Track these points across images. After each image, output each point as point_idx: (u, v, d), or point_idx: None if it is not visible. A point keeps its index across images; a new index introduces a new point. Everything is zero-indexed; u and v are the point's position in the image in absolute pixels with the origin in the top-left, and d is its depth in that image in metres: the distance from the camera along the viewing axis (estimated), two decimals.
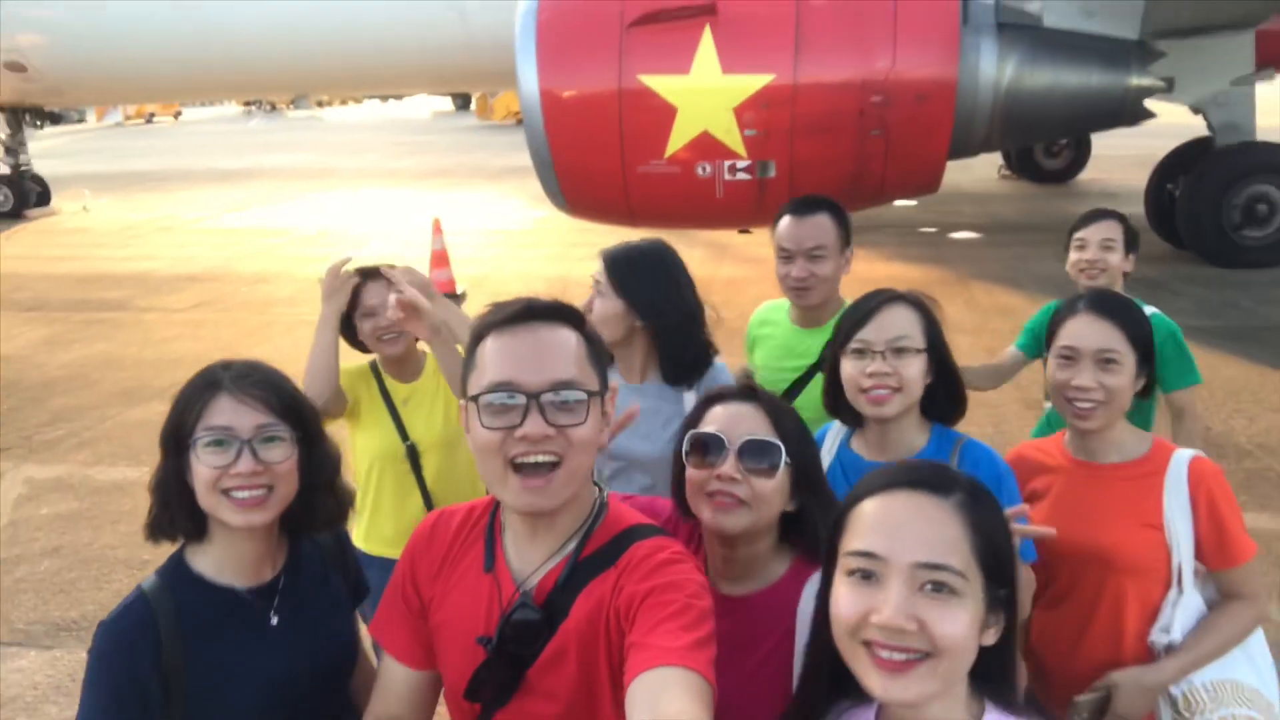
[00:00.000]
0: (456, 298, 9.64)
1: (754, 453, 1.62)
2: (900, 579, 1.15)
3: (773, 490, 1.61)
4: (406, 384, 2.93)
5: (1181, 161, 10.25)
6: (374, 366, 2.95)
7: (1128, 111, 8.91)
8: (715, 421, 1.67)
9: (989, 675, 1.22)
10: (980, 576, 1.17)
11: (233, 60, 12.34)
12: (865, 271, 9.87)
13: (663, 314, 2.44)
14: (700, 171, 8.21)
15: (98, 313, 9.51)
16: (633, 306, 2.44)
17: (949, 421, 2.09)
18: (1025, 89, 8.44)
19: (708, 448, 1.65)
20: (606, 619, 1.38)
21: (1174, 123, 10.34)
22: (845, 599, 1.19)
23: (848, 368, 2.00)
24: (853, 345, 2.00)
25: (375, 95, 41.68)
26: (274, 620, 1.66)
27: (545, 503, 1.38)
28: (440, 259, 9.76)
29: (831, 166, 8.06)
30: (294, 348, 8.09)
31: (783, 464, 1.62)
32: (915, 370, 1.96)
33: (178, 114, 47.33)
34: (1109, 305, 2.06)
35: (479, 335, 1.46)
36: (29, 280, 10.86)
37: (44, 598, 4.29)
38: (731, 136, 8.05)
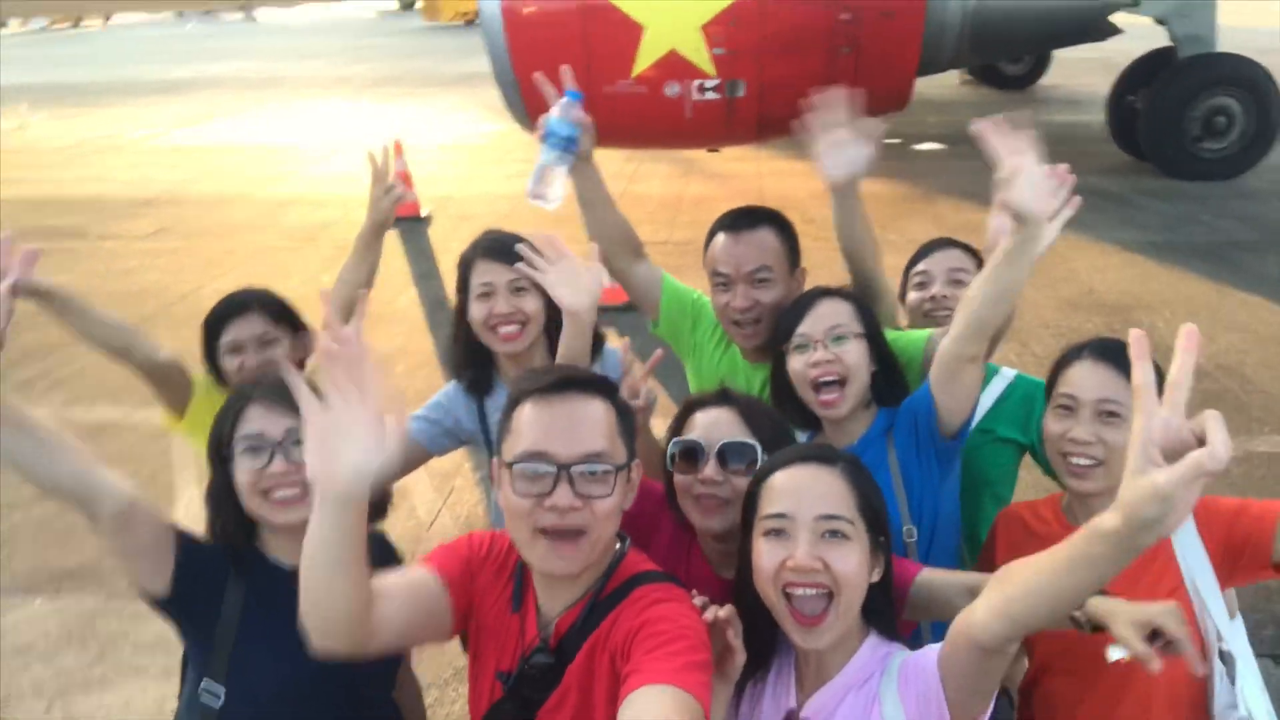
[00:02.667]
0: (422, 220, 9.54)
1: (732, 454, 1.77)
2: (806, 530, 1.48)
3: None
4: None
5: (1143, 73, 10.29)
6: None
7: (1095, 27, 8.91)
8: (694, 429, 1.83)
9: (876, 609, 1.56)
10: (864, 524, 1.52)
11: None
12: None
13: None
14: (669, 91, 8.10)
15: (54, 240, 9.22)
16: (545, 295, 2.18)
17: (893, 404, 2.13)
18: (994, 6, 8.38)
19: (690, 454, 1.80)
20: (605, 658, 1.47)
21: (1134, 22, 10.35)
22: (766, 553, 1.50)
23: (794, 363, 2.08)
24: (794, 342, 2.08)
25: None
26: None
27: (569, 568, 1.46)
28: (403, 180, 9.60)
29: (800, 86, 7.81)
30: (259, 277, 7.96)
31: (760, 461, 1.76)
32: (856, 355, 2.05)
33: (106, 18, 45.07)
34: (1114, 352, 1.87)
35: (515, 400, 1.52)
36: None
37: (42, 545, 4.32)
38: (700, 55, 7.93)
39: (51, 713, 3.33)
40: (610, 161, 11.40)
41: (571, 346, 1.96)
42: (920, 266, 2.57)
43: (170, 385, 2.43)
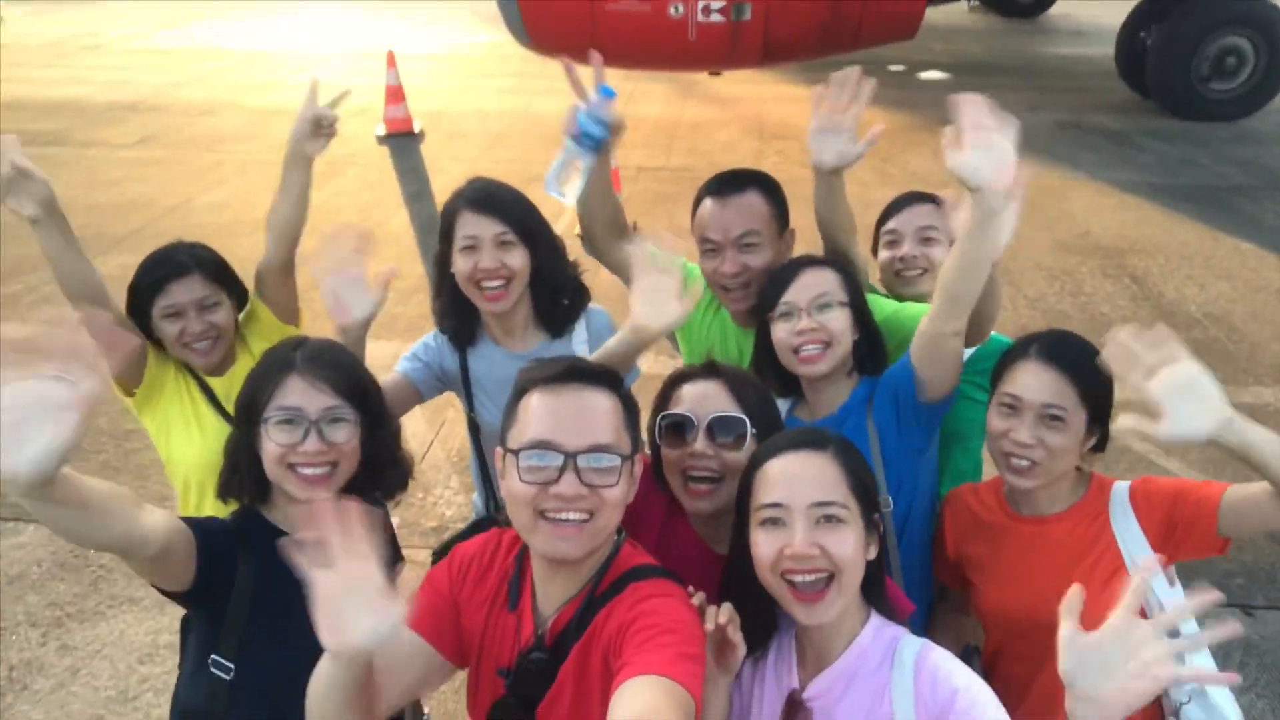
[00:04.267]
0: (414, 136, 9.34)
1: (721, 428, 1.77)
2: (802, 518, 1.49)
3: (743, 460, 1.70)
4: (224, 376, 2.39)
5: (1156, 7, 10.06)
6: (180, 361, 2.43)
7: None
8: (682, 402, 1.81)
9: (873, 584, 1.58)
10: (857, 505, 1.53)
11: None
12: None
13: (550, 245, 2.28)
14: (673, 11, 7.88)
15: (36, 147, 9.00)
16: (534, 249, 2.22)
17: (875, 373, 2.13)
18: None
19: (679, 428, 1.79)
20: (598, 654, 1.47)
21: None
22: (764, 543, 1.52)
23: (778, 331, 2.07)
24: (779, 310, 2.07)
25: None
26: None
27: (572, 551, 1.46)
28: (395, 94, 9.35)
29: (807, 10, 7.81)
30: (249, 190, 7.88)
31: (749, 435, 1.76)
32: (841, 323, 2.04)
33: None
34: (1062, 353, 1.84)
35: (522, 389, 1.51)
36: None
37: None
38: None
39: (46, 643, 3.35)
40: (609, 80, 11.14)
41: (616, 354, 1.90)
42: (890, 225, 2.53)
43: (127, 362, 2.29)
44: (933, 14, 11.94)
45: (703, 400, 1.79)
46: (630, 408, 1.55)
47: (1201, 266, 6.58)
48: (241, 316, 2.45)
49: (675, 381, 1.86)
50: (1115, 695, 1.26)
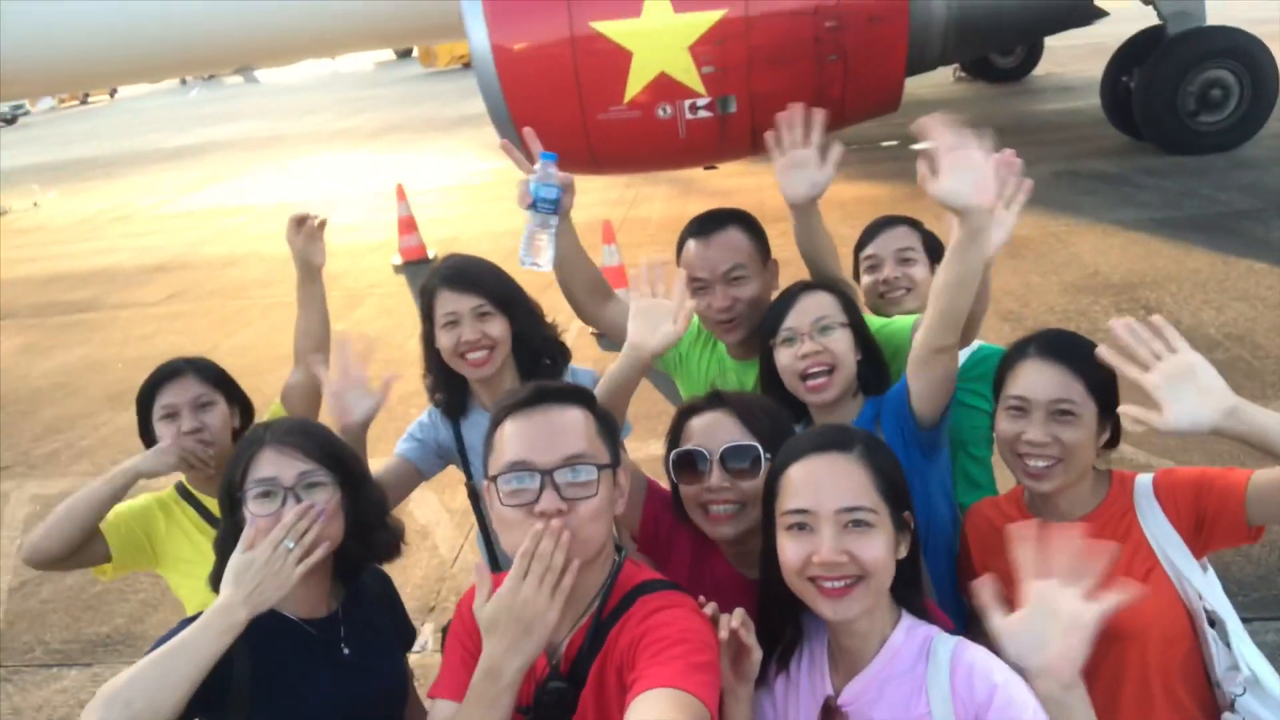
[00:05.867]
0: (429, 262, 9.64)
1: (734, 458, 1.78)
2: (828, 525, 1.47)
3: (760, 487, 1.71)
4: None
5: (1135, 53, 10.26)
6: (182, 490, 2.42)
7: (1079, 12, 8.92)
8: (693, 436, 1.83)
9: (905, 584, 1.55)
10: (886, 506, 1.50)
11: (174, 38, 12.01)
12: (834, 194, 9.71)
13: (527, 310, 2.37)
14: (661, 113, 8.17)
15: (70, 315, 9.43)
16: (512, 316, 2.31)
17: (879, 392, 2.15)
18: (976, 2, 8.42)
19: (692, 463, 1.80)
20: (612, 674, 1.48)
21: (1122, 6, 10.33)
22: (790, 549, 1.49)
23: (782, 357, 2.11)
24: (781, 335, 2.11)
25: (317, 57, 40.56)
26: (346, 651, 1.79)
27: (578, 559, 1.46)
28: (408, 225, 9.73)
29: (791, 96, 7.80)
30: (272, 331, 8.11)
31: (763, 460, 1.76)
32: (843, 345, 2.07)
33: (113, 92, 45.92)
34: (1062, 348, 1.82)
35: (496, 420, 1.56)
36: None
37: (73, 615, 4.37)
38: (689, 75, 8.00)
39: None
40: (610, 188, 11.51)
41: (617, 377, 1.94)
42: (868, 250, 2.59)
43: (83, 557, 2.29)
44: (919, 87, 12.27)
45: (713, 432, 1.80)
46: (605, 421, 1.58)
47: (1216, 291, 6.54)
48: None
49: (684, 415, 1.88)
50: (1060, 658, 1.33)
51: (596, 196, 10.96)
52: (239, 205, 14.18)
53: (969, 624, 2.18)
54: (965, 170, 1.66)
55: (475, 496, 2.47)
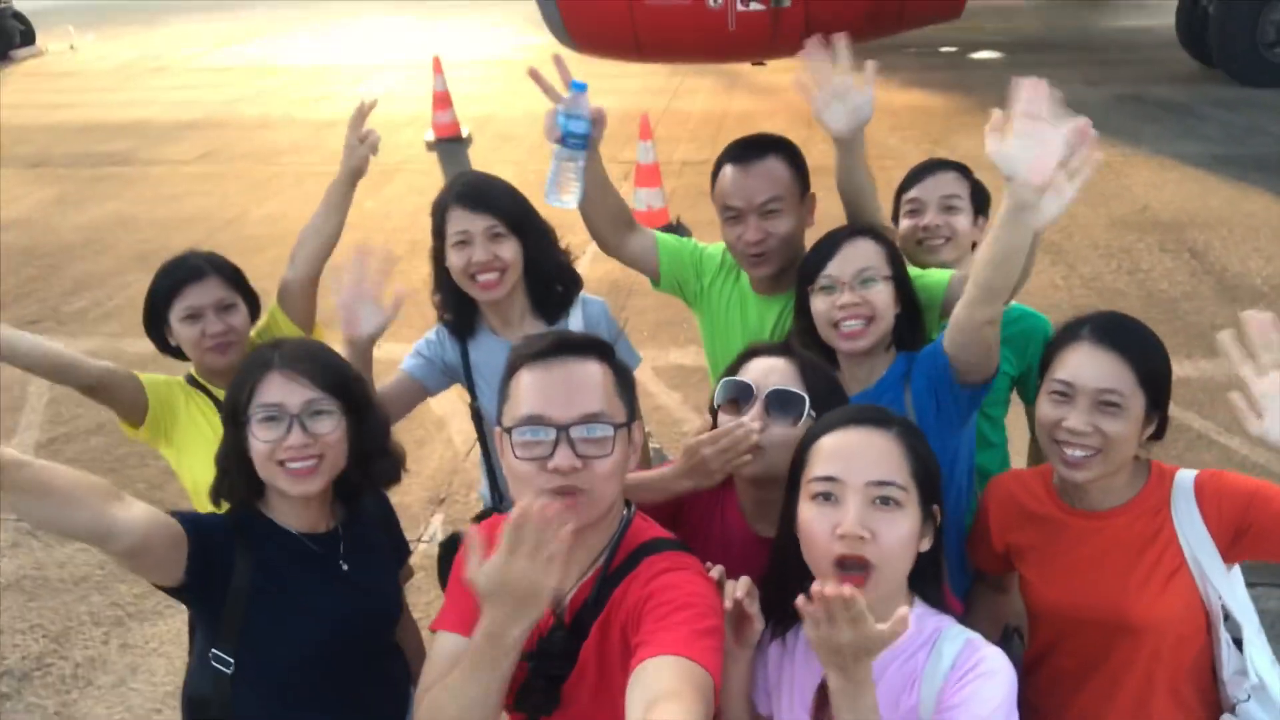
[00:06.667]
0: (462, 140, 9.47)
1: (780, 402, 1.72)
2: (856, 496, 1.41)
3: (794, 437, 1.66)
4: None
5: None
6: (192, 380, 2.40)
7: None
8: (749, 372, 1.77)
9: (923, 577, 1.51)
10: (917, 492, 1.44)
11: None
12: (885, 100, 9.39)
13: (540, 234, 2.31)
14: (712, 3, 7.86)
15: (102, 167, 9.39)
16: (525, 239, 2.26)
17: (913, 348, 2.08)
18: None
19: (738, 395, 1.76)
20: (616, 631, 1.47)
21: None
22: (814, 518, 1.44)
23: (818, 304, 2.03)
24: (820, 282, 2.03)
25: None
26: (344, 566, 1.82)
27: (571, 525, 1.43)
28: (443, 100, 9.52)
29: None
30: (304, 201, 8.04)
31: (805, 416, 1.71)
32: (884, 299, 2.00)
33: None
34: (1117, 335, 1.73)
35: (513, 367, 1.51)
36: (28, 132, 10.66)
37: (99, 474, 4.46)
38: None
39: (109, 641, 3.48)
40: (652, 76, 11.17)
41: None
42: (912, 193, 2.45)
43: (118, 393, 2.27)
44: None
45: (769, 373, 1.75)
46: (623, 376, 1.54)
47: (1269, 238, 6.32)
48: (258, 327, 2.48)
49: (749, 354, 1.82)
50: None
51: (637, 84, 10.65)
52: (276, 65, 13.93)
53: (973, 584, 2.20)
54: (1030, 141, 1.55)
55: (479, 418, 2.46)
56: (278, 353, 1.74)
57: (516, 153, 8.88)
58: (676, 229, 6.55)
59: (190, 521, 1.67)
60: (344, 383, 1.76)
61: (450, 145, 9.35)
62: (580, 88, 2.03)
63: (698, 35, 8.10)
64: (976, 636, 1.48)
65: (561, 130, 2.01)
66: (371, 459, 1.81)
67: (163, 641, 3.46)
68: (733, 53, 8.57)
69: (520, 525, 1.29)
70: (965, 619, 1.99)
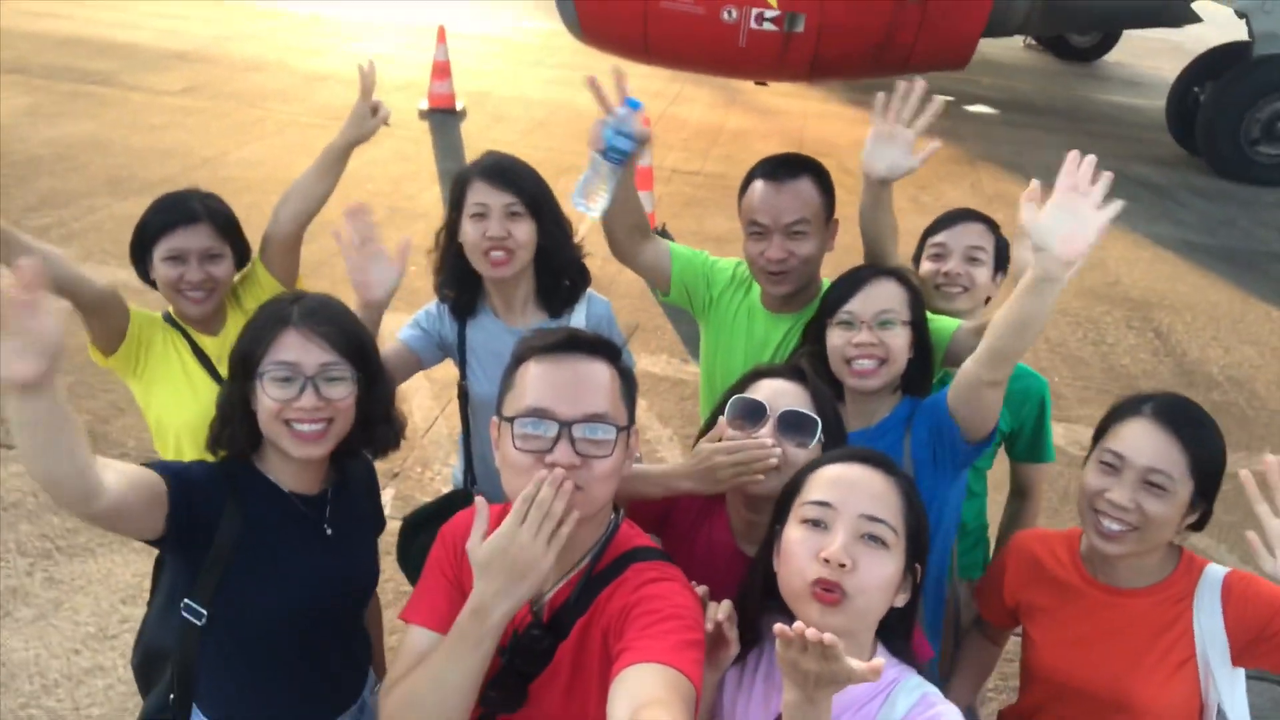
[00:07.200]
0: (455, 114, 9.37)
1: (793, 422, 1.72)
2: (846, 526, 1.41)
3: (803, 458, 1.67)
4: (215, 337, 2.36)
5: (1214, 64, 9.95)
6: (169, 319, 2.38)
7: (1174, 12, 8.59)
8: (760, 391, 1.77)
9: (893, 631, 1.50)
10: (905, 540, 1.45)
11: None
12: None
13: (557, 224, 2.32)
14: (726, 16, 7.86)
15: (82, 85, 9.12)
16: (541, 224, 2.26)
17: (919, 394, 2.10)
18: None
19: (749, 412, 1.74)
20: (598, 635, 1.45)
21: (1213, 10, 9.94)
22: (799, 540, 1.43)
23: (834, 338, 2.05)
24: (839, 317, 2.04)
25: None
26: (329, 530, 1.78)
27: (578, 512, 1.42)
28: (442, 70, 9.40)
29: (861, 32, 7.77)
30: (285, 150, 7.91)
31: (816, 439, 1.71)
32: (900, 343, 2.02)
33: None
34: (1177, 418, 1.72)
35: (520, 357, 1.50)
36: (9, 36, 10.30)
37: None
38: None
39: (33, 573, 3.37)
40: (652, 78, 11.13)
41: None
42: (939, 238, 2.49)
43: (108, 318, 2.24)
44: (986, 47, 11.89)
45: (780, 394, 1.75)
46: (628, 380, 1.53)
47: (1229, 329, 6.50)
48: (239, 277, 2.44)
49: (757, 374, 1.82)
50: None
51: (636, 84, 10.48)
52: (274, 8, 13.63)
53: (968, 632, 2.21)
54: (1067, 216, 1.56)
55: (465, 396, 2.44)
56: (297, 308, 1.69)
57: (509, 134, 8.81)
58: (660, 235, 6.54)
59: (174, 475, 1.62)
60: (360, 347, 1.73)
61: (443, 116, 9.24)
62: (635, 106, 2.04)
63: (708, 46, 8.09)
64: (934, 691, 1.47)
65: (607, 144, 2.01)
66: (375, 425, 1.78)
67: (90, 580, 3.35)
68: (739, 68, 8.58)
69: (530, 498, 1.31)
70: (954, 661, 2.01)
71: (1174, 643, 1.74)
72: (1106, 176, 1.59)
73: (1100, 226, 1.57)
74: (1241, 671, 1.77)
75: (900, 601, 1.47)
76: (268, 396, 1.64)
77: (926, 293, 2.46)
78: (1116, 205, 1.58)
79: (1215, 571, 1.77)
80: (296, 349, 1.65)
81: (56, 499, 1.47)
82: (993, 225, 2.50)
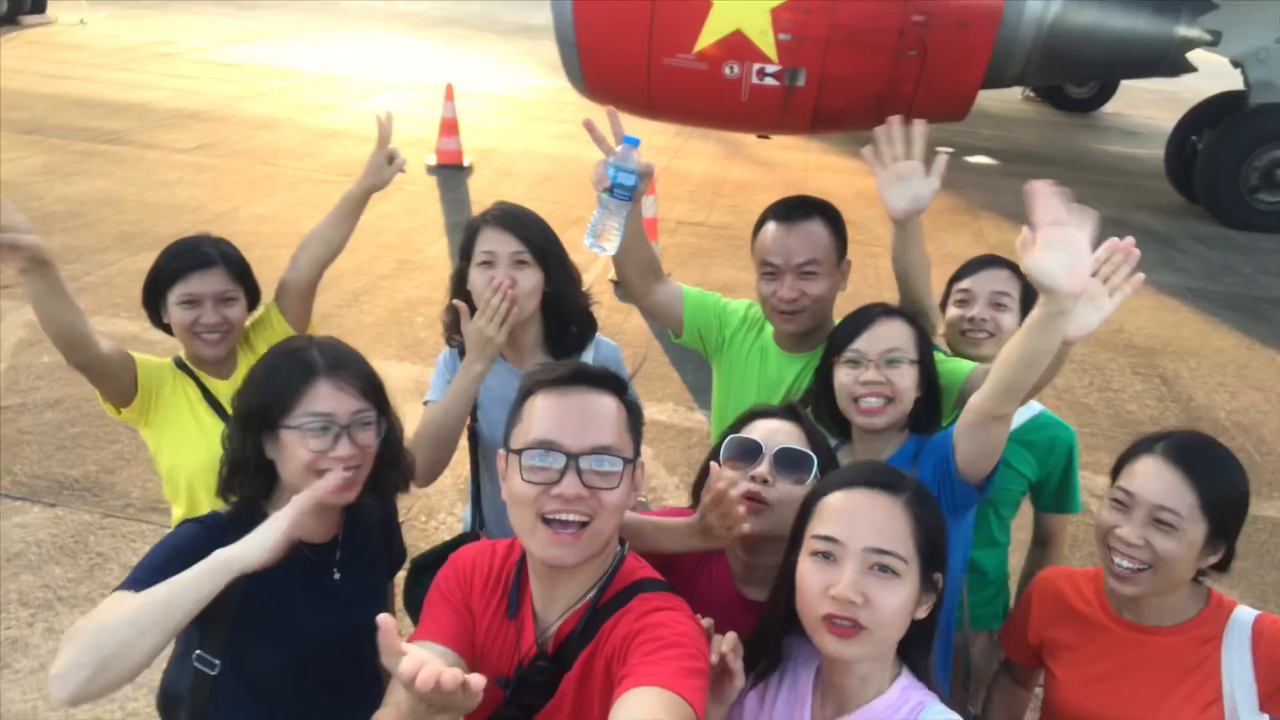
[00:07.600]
0: (463, 169, 9.51)
1: (789, 460, 1.73)
2: (853, 561, 1.41)
3: (798, 498, 1.66)
4: (226, 380, 2.39)
5: (1211, 113, 10.07)
6: (180, 363, 2.40)
7: (1170, 62, 8.71)
8: (755, 431, 1.78)
9: (915, 645, 1.50)
10: (918, 561, 1.44)
11: None
12: (872, 193, 9.52)
13: (564, 272, 2.35)
14: (728, 71, 8.00)
15: (97, 144, 9.30)
16: (548, 272, 2.29)
17: (927, 433, 2.10)
18: (1069, 26, 8.20)
19: (745, 452, 1.75)
20: (601, 664, 1.45)
21: (1209, 60, 10.09)
22: (811, 573, 1.45)
23: (841, 376, 2.06)
24: (846, 355, 2.06)
25: None
26: (336, 576, 1.78)
27: (569, 558, 1.44)
28: (450, 127, 9.57)
29: (862, 84, 7.89)
30: (296, 205, 8.03)
31: (812, 476, 1.72)
32: (907, 381, 2.03)
33: None
34: (1189, 456, 1.70)
35: (527, 390, 1.51)
36: (26, 98, 10.55)
37: (46, 452, 4.36)
38: (765, 38, 7.82)
39: (34, 624, 3.36)
40: (656, 133, 11.30)
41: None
42: (964, 284, 2.51)
43: (116, 378, 2.26)
44: (986, 100, 12.07)
45: (775, 433, 1.76)
46: (634, 413, 1.54)
47: (1235, 375, 6.49)
48: (251, 321, 2.47)
49: (753, 415, 1.84)
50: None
51: (641, 140, 10.74)
52: (284, 68, 13.94)
53: (996, 674, 2.19)
54: (1064, 249, 1.56)
55: (475, 438, 2.45)
56: (319, 356, 1.69)
57: (516, 189, 8.93)
58: None
59: (194, 532, 1.64)
60: (379, 390, 1.75)
61: (450, 172, 9.38)
62: (633, 142, 2.08)
63: (710, 101, 8.23)
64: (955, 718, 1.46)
65: (611, 181, 2.05)
66: (385, 469, 1.79)
67: None
68: (741, 123, 8.72)
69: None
70: (984, 709, 1.99)
71: (1200, 684, 1.72)
72: (1067, 193, 1.60)
73: (1089, 241, 1.59)
74: (1268, 718, 1.74)
75: (921, 614, 1.47)
76: (304, 448, 1.64)
77: (953, 337, 2.49)
78: (1092, 214, 1.60)
79: (1245, 614, 1.75)
80: (330, 399, 1.65)
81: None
82: (1018, 271, 2.47)
